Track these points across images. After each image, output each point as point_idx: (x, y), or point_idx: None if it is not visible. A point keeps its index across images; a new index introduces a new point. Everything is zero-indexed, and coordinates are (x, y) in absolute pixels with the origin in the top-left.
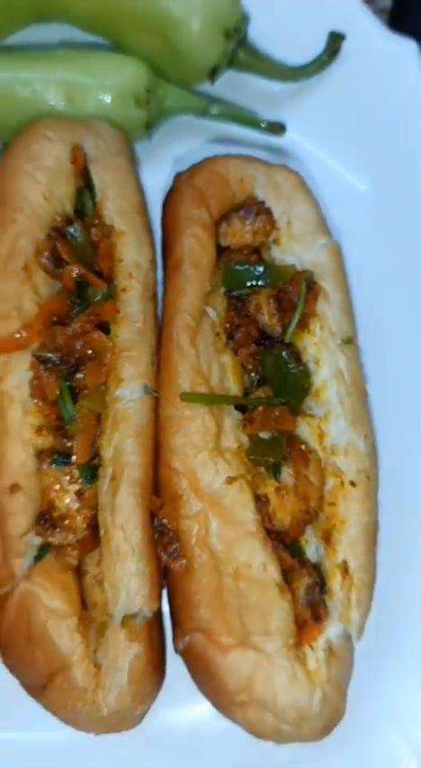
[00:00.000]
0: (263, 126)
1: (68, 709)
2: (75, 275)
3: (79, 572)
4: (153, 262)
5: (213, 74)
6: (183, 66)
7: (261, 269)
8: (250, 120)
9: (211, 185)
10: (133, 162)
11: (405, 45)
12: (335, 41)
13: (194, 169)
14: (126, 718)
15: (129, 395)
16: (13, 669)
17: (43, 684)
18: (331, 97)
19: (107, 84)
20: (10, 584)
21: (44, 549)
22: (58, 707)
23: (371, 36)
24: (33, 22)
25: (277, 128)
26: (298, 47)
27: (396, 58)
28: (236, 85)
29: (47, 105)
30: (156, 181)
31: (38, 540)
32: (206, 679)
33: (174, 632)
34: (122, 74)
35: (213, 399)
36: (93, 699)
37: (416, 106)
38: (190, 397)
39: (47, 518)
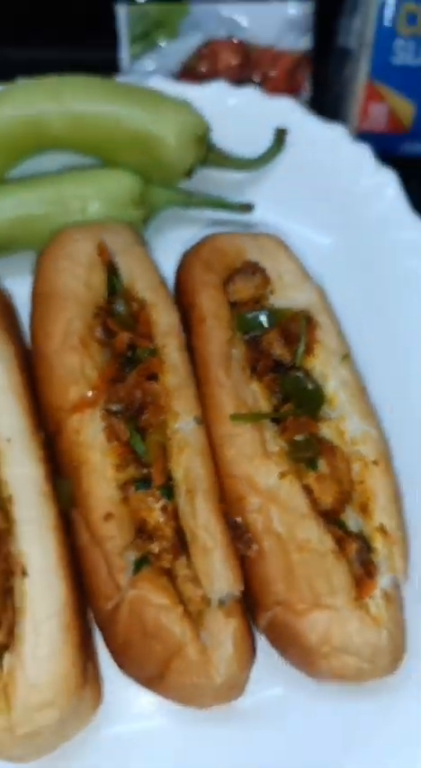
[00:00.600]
0: (235, 208)
1: (187, 687)
2: (127, 341)
3: (171, 576)
4: (179, 321)
5: (190, 173)
6: (166, 172)
7: (266, 314)
8: (224, 205)
9: (214, 256)
10: (146, 248)
11: (334, 128)
12: (280, 135)
13: (197, 247)
14: (235, 685)
15: (185, 426)
16: (131, 668)
17: (162, 673)
18: (285, 177)
19: (109, 194)
20: (118, 595)
21: (140, 563)
22: (177, 687)
23: (306, 125)
24: (35, 153)
25: (247, 207)
26: (252, 142)
27: (329, 139)
28: (208, 179)
29: (65, 217)
30: (166, 262)
31: (133, 556)
32: (291, 643)
33: (255, 614)
34: (120, 184)
35: (254, 417)
36: (206, 672)
37: (352, 171)
38: (237, 418)
39: (143, 532)
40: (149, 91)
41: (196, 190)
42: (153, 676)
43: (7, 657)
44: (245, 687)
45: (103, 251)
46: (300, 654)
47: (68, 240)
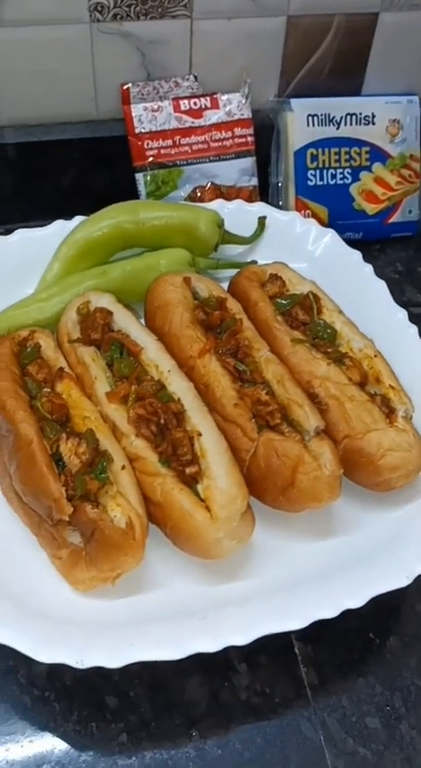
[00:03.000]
0: (246, 265)
1: (310, 482)
2: (219, 316)
3: (280, 431)
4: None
5: (216, 248)
6: (202, 247)
7: (288, 299)
8: (239, 264)
9: (251, 274)
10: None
11: (291, 214)
12: (262, 220)
13: (240, 272)
14: (337, 479)
15: (264, 353)
16: (270, 489)
17: (292, 479)
18: (269, 243)
19: (174, 260)
20: (253, 445)
21: (260, 428)
22: (303, 486)
23: (275, 214)
24: (122, 250)
25: (253, 263)
26: (245, 228)
27: (289, 219)
28: (225, 252)
29: (152, 275)
30: None
31: (256, 423)
32: (358, 461)
33: None
34: (179, 255)
35: (303, 341)
36: (319, 467)
37: (305, 233)
38: (295, 341)
39: (259, 407)
40: (186, 203)
41: (221, 257)
42: (287, 485)
43: (200, 486)
44: (341, 486)
45: (187, 279)
46: (365, 465)
47: (168, 277)
